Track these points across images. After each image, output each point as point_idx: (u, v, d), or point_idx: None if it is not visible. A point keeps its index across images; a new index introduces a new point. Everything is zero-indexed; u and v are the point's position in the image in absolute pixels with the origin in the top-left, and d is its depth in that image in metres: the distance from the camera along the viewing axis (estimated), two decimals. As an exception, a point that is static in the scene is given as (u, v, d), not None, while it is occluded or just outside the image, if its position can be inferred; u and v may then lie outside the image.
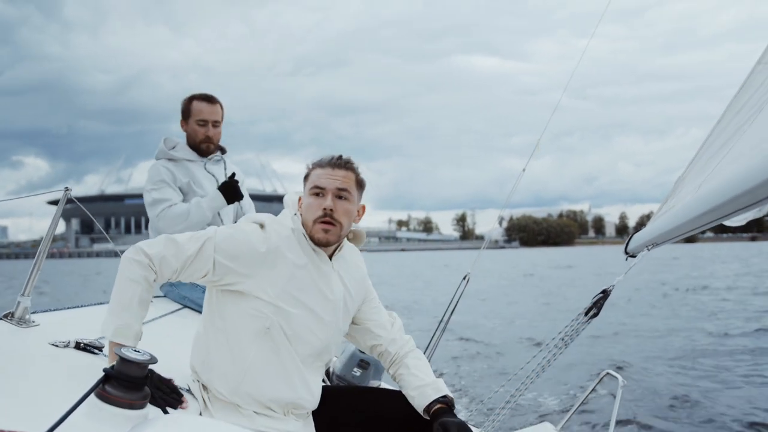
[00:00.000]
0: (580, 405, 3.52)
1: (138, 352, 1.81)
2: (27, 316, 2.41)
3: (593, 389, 3.43)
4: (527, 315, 17.56)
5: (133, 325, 2.12)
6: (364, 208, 2.50)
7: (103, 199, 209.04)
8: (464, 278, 4.30)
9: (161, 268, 2.18)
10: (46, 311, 2.65)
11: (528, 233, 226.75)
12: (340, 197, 2.33)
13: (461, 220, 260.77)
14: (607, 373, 3.29)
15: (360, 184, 2.42)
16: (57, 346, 2.19)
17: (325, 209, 2.29)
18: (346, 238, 2.49)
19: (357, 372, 4.05)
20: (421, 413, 2.38)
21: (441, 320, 4.16)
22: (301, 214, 2.38)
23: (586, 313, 2.72)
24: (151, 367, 1.85)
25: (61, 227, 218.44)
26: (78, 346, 2.24)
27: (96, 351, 2.24)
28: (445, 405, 2.35)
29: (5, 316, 2.38)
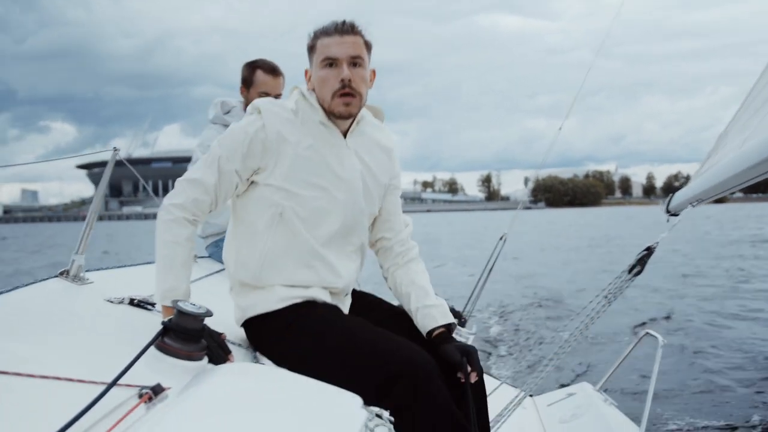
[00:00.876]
0: (619, 365, 3.52)
1: (194, 305, 1.85)
2: (81, 274, 2.45)
3: (632, 349, 3.42)
4: (565, 274, 17.49)
5: (180, 286, 2.11)
6: (374, 72, 2.33)
7: (130, 162, 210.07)
8: (501, 238, 4.28)
9: (196, 211, 2.16)
10: (99, 269, 2.68)
11: (554, 194, 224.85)
12: (354, 65, 2.17)
13: (486, 181, 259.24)
14: (647, 333, 3.27)
15: (369, 47, 2.24)
16: (112, 302, 2.23)
17: (342, 80, 2.15)
18: (365, 113, 2.39)
19: None
20: (422, 331, 2.31)
21: (479, 279, 4.15)
22: (313, 90, 2.25)
23: (630, 270, 2.70)
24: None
25: (89, 190, 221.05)
26: (132, 302, 2.27)
27: (149, 307, 2.27)
28: (446, 329, 2.29)
29: (61, 274, 2.42)
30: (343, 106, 2.18)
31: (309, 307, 2.19)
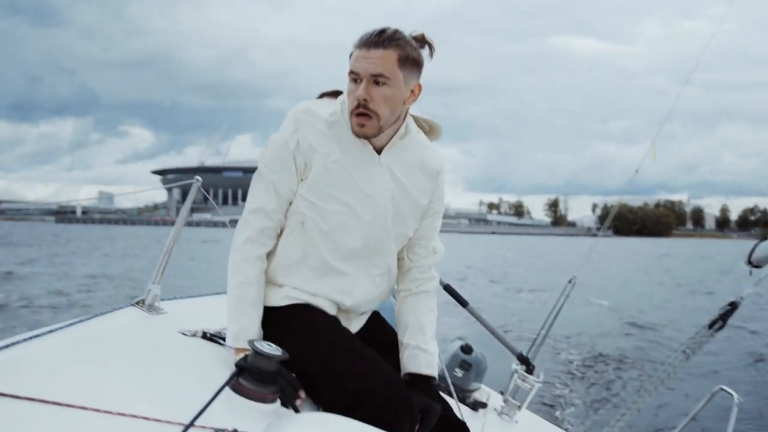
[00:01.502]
0: (689, 421, 3.34)
1: (270, 346, 1.84)
2: (156, 304, 2.48)
3: (704, 405, 3.24)
4: (640, 316, 16.91)
5: (251, 327, 2.09)
6: (419, 87, 2.17)
7: (202, 170, 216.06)
8: (570, 281, 4.12)
9: (265, 240, 2.16)
10: (173, 299, 2.70)
11: (622, 222, 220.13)
12: (377, 83, 2.04)
13: (553, 206, 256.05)
14: (721, 389, 3.10)
15: (406, 61, 2.07)
16: (185, 334, 2.25)
17: (358, 98, 2.03)
18: (414, 129, 2.27)
19: (459, 373, 3.97)
20: (402, 369, 2.25)
21: (543, 326, 4.02)
22: None
23: (711, 326, 2.54)
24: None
25: (162, 196, 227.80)
26: (205, 335, 2.28)
27: (221, 341, 2.28)
28: (423, 380, 2.21)
29: (136, 303, 2.45)
30: (357, 126, 2.08)
31: (309, 309, 2.17)
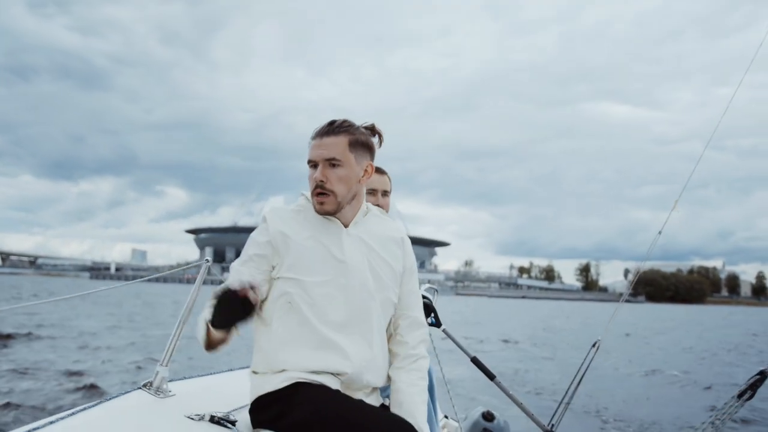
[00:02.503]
0: None
1: None
2: (164, 386, 2.49)
3: None
4: (668, 386, 16.50)
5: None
6: (372, 166, 2.43)
7: (235, 230, 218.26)
8: (594, 345, 4.06)
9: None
10: (181, 379, 2.74)
11: (655, 287, 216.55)
12: (332, 165, 2.31)
13: (584, 270, 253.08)
14: None
15: (356, 144, 2.36)
16: (192, 419, 2.26)
17: (315, 180, 2.32)
18: (373, 208, 2.55)
19: None
20: None
21: (566, 393, 3.95)
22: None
23: (740, 396, 2.51)
24: None
25: (195, 255, 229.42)
26: (212, 419, 2.30)
27: (229, 425, 2.30)
28: None
29: (144, 386, 2.48)
30: (318, 204, 2.35)
31: (311, 385, 2.21)
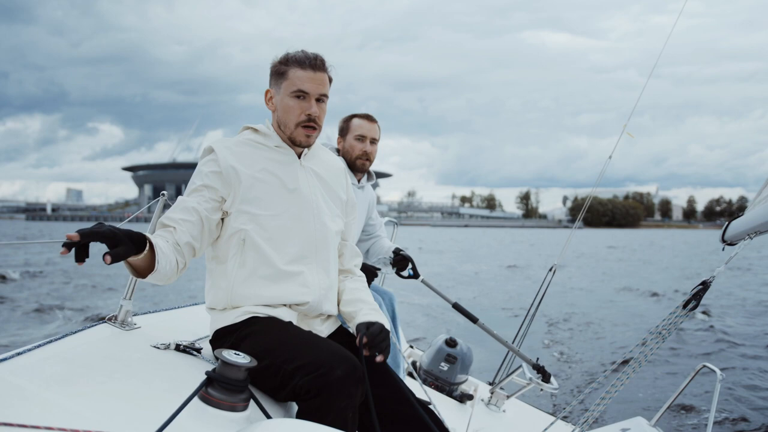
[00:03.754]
0: (674, 399, 3.42)
1: (239, 355, 1.87)
2: (129, 319, 2.49)
3: (689, 382, 3.32)
4: (615, 302, 17.20)
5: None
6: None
7: (174, 166, 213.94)
8: (551, 269, 4.20)
9: (187, 254, 2.20)
10: (146, 313, 2.73)
11: (592, 214, 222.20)
12: (319, 101, 2.36)
13: (525, 198, 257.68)
14: (704, 366, 3.17)
15: (331, 82, 2.42)
16: (158, 348, 2.26)
17: (310, 115, 2.33)
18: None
19: (444, 366, 4.04)
20: (352, 320, 2.39)
21: (527, 312, 4.09)
22: (274, 111, 2.41)
23: (685, 306, 2.59)
24: None
25: (134, 193, 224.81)
26: (178, 347, 2.30)
27: (195, 353, 2.31)
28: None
29: (109, 319, 2.46)
30: (304, 136, 2.37)
31: (266, 319, 2.25)
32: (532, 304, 4.17)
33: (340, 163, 2.64)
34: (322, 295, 2.36)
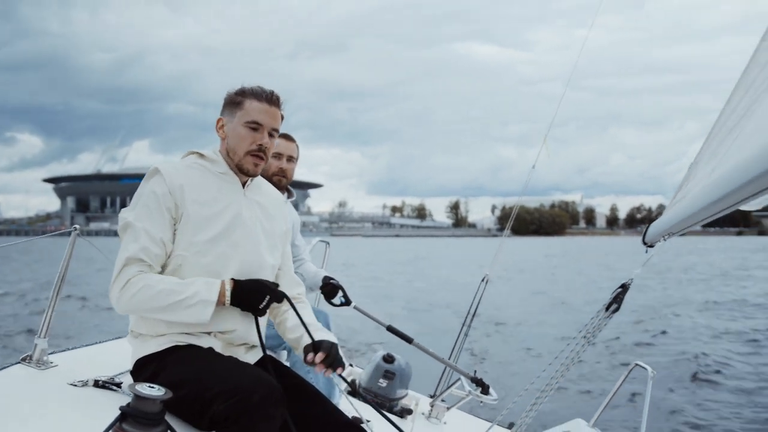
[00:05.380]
0: (611, 398, 3.53)
1: (153, 387, 1.85)
2: (45, 358, 2.42)
3: (623, 381, 3.43)
4: (544, 308, 17.63)
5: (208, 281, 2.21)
6: None
7: (99, 178, 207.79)
8: (483, 280, 4.26)
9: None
10: (64, 350, 2.67)
11: (519, 222, 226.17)
12: (271, 135, 2.44)
13: (454, 208, 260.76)
14: (636, 365, 3.28)
15: (282, 120, 2.53)
16: (76, 385, 2.21)
17: (260, 145, 2.40)
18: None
19: (383, 383, 4.05)
20: (301, 345, 2.42)
21: (463, 323, 4.16)
22: (223, 139, 2.43)
23: (607, 308, 2.66)
24: None
25: (55, 205, 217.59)
26: (97, 383, 2.26)
27: (114, 387, 2.26)
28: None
29: (23, 359, 2.39)
30: (252, 165, 2.41)
31: (188, 347, 2.23)
32: (467, 315, 4.25)
33: (277, 193, 2.68)
34: (248, 324, 2.35)
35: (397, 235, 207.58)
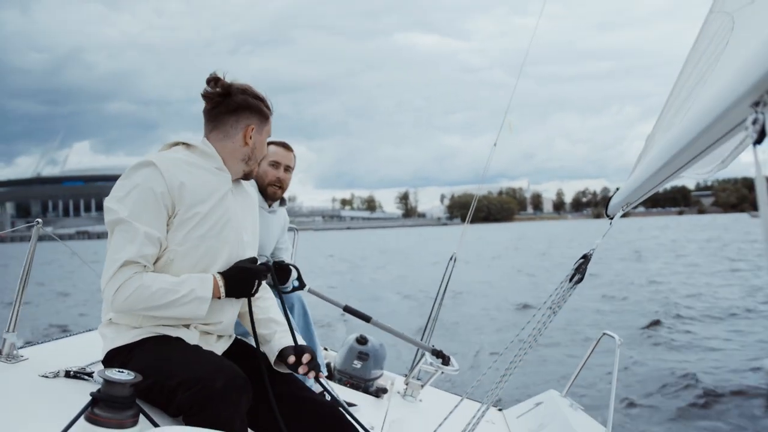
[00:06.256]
0: (581, 368, 3.60)
1: (122, 372, 1.87)
2: (15, 352, 2.41)
3: (592, 351, 3.50)
4: (508, 286, 18.01)
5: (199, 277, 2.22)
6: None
7: (40, 181, 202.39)
8: (451, 258, 4.33)
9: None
10: (34, 345, 2.65)
11: (469, 210, 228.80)
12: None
13: (404, 198, 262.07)
14: (605, 334, 3.35)
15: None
16: (47, 377, 2.21)
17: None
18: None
19: (357, 364, 4.09)
20: (273, 356, 2.42)
21: (434, 301, 4.20)
22: (250, 157, 2.45)
23: (570, 279, 2.68)
24: None
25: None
26: (68, 374, 2.25)
27: (86, 377, 2.25)
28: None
29: None
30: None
31: (162, 338, 2.23)
32: (437, 295, 4.32)
33: (255, 191, 2.74)
34: (232, 320, 2.40)
35: (348, 228, 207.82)
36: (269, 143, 3.71)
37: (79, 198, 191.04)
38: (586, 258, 2.74)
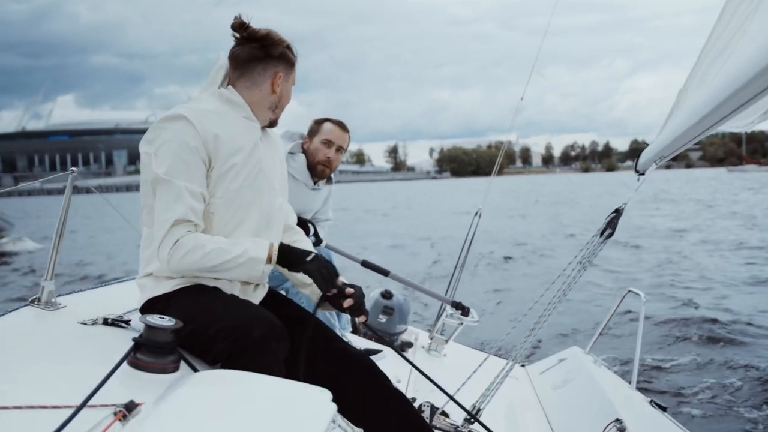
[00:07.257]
0: (605, 325, 3.60)
1: (164, 318, 1.90)
2: (53, 299, 2.41)
3: (617, 308, 3.50)
4: (535, 238, 18.11)
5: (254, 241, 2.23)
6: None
7: (25, 135, 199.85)
8: (476, 214, 4.34)
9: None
10: (71, 293, 2.65)
11: (458, 164, 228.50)
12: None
13: (393, 152, 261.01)
14: (629, 291, 3.34)
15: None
16: (86, 324, 2.23)
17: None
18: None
19: (382, 318, 4.13)
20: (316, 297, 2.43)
21: (459, 256, 4.21)
22: (277, 105, 2.43)
23: (602, 234, 2.66)
24: None
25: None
26: (106, 321, 2.27)
27: (123, 324, 2.27)
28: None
29: (32, 302, 2.38)
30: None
31: (195, 288, 2.24)
32: (462, 250, 4.33)
33: (280, 139, 2.70)
34: (269, 269, 2.34)
35: (337, 182, 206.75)
36: (325, 120, 3.71)
37: (65, 152, 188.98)
38: (618, 212, 2.73)
